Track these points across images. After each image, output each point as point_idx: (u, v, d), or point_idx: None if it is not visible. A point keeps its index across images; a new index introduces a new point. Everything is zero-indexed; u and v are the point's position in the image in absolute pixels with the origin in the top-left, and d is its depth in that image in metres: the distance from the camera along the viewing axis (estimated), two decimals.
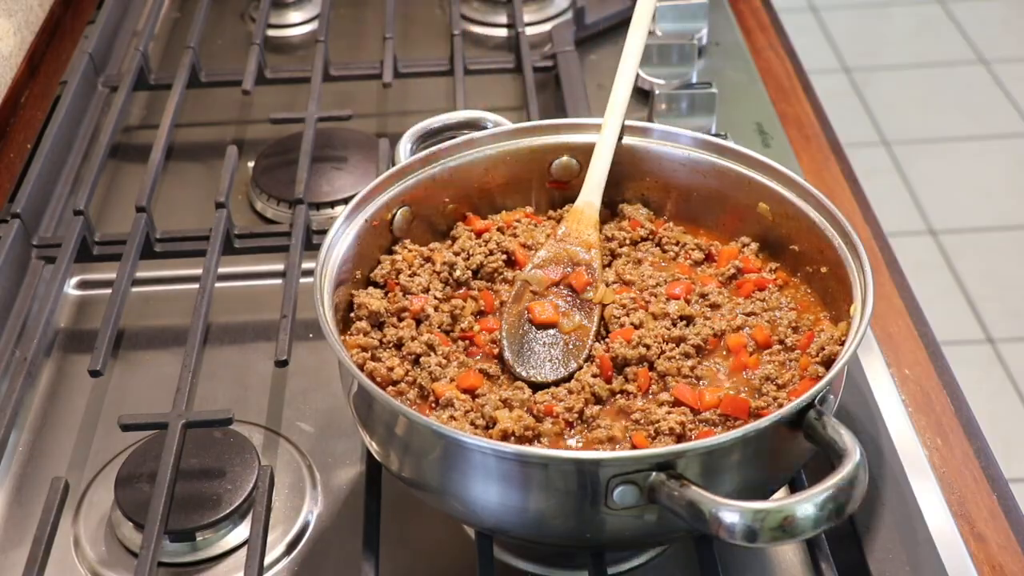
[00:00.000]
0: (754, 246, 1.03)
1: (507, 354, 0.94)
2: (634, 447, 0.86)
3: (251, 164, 1.36)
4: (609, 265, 1.03)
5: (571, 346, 0.95)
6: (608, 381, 0.91)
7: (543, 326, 0.96)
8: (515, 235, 1.05)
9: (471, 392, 0.91)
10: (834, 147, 1.37)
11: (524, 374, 0.93)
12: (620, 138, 1.06)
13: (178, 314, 1.17)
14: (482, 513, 0.84)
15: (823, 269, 0.97)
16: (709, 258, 1.03)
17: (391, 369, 0.91)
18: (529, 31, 1.54)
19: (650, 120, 1.34)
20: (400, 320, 0.96)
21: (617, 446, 0.87)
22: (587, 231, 1.03)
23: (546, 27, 1.59)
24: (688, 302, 0.97)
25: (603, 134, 1.05)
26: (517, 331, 0.96)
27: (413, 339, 0.94)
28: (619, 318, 0.96)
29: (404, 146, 1.08)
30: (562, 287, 1.00)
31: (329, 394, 1.07)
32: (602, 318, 0.97)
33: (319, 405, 1.08)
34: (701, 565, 0.89)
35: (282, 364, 1.03)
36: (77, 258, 1.19)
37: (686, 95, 1.35)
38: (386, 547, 0.92)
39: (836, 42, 3.81)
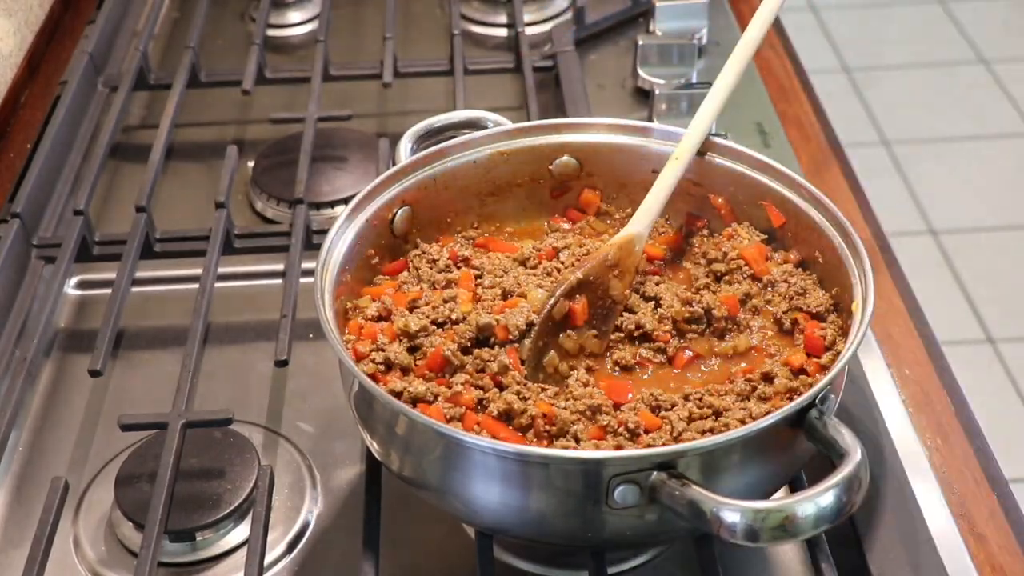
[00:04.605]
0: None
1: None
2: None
3: (251, 164, 1.36)
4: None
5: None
6: None
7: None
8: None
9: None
10: (834, 147, 1.37)
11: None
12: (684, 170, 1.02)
13: (178, 314, 1.17)
14: (482, 512, 0.84)
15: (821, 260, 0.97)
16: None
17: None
18: (529, 31, 1.54)
19: (650, 120, 1.34)
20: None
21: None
22: (629, 270, 0.98)
23: (546, 27, 1.59)
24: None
25: (674, 160, 1.01)
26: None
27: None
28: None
29: (404, 146, 1.07)
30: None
31: (329, 394, 1.07)
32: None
33: (319, 405, 1.08)
34: (701, 565, 0.89)
35: (282, 364, 1.03)
36: (77, 258, 1.19)
37: (686, 95, 1.35)
38: (386, 547, 0.92)
39: (836, 42, 3.81)
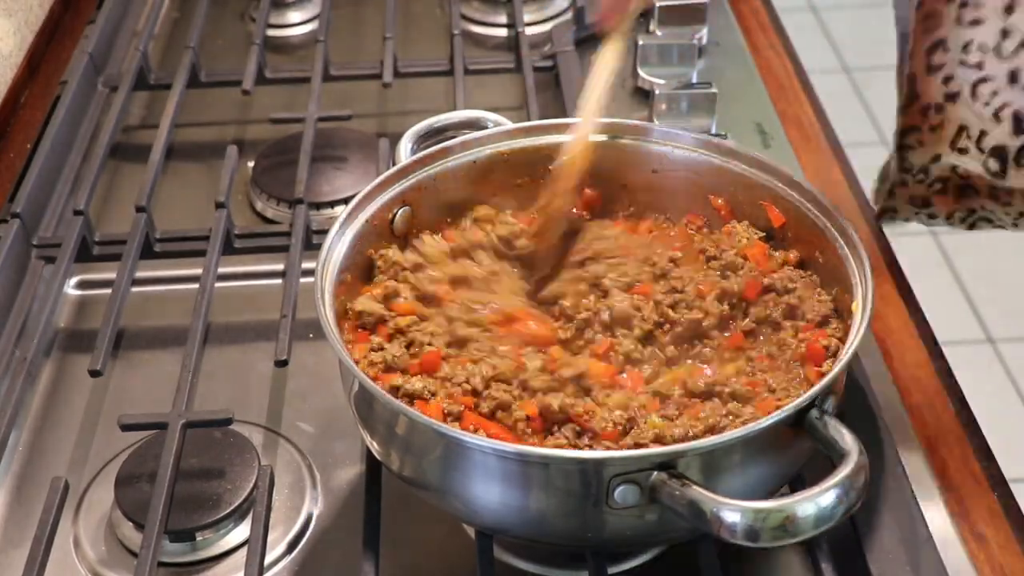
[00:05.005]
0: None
1: None
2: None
3: (251, 164, 1.36)
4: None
5: None
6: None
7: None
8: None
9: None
10: (834, 147, 1.37)
11: None
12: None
13: (178, 314, 1.17)
14: (483, 512, 0.84)
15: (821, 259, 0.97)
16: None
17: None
18: (529, 31, 1.54)
19: (650, 120, 1.34)
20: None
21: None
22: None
23: (546, 27, 1.59)
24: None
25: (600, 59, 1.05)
26: None
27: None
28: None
29: (404, 146, 1.08)
30: None
31: (329, 394, 1.06)
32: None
33: (319, 405, 1.08)
34: (701, 565, 0.89)
35: (282, 364, 1.03)
36: (77, 258, 1.19)
37: (686, 95, 1.34)
38: (386, 547, 0.92)
39: (836, 42, 3.81)
